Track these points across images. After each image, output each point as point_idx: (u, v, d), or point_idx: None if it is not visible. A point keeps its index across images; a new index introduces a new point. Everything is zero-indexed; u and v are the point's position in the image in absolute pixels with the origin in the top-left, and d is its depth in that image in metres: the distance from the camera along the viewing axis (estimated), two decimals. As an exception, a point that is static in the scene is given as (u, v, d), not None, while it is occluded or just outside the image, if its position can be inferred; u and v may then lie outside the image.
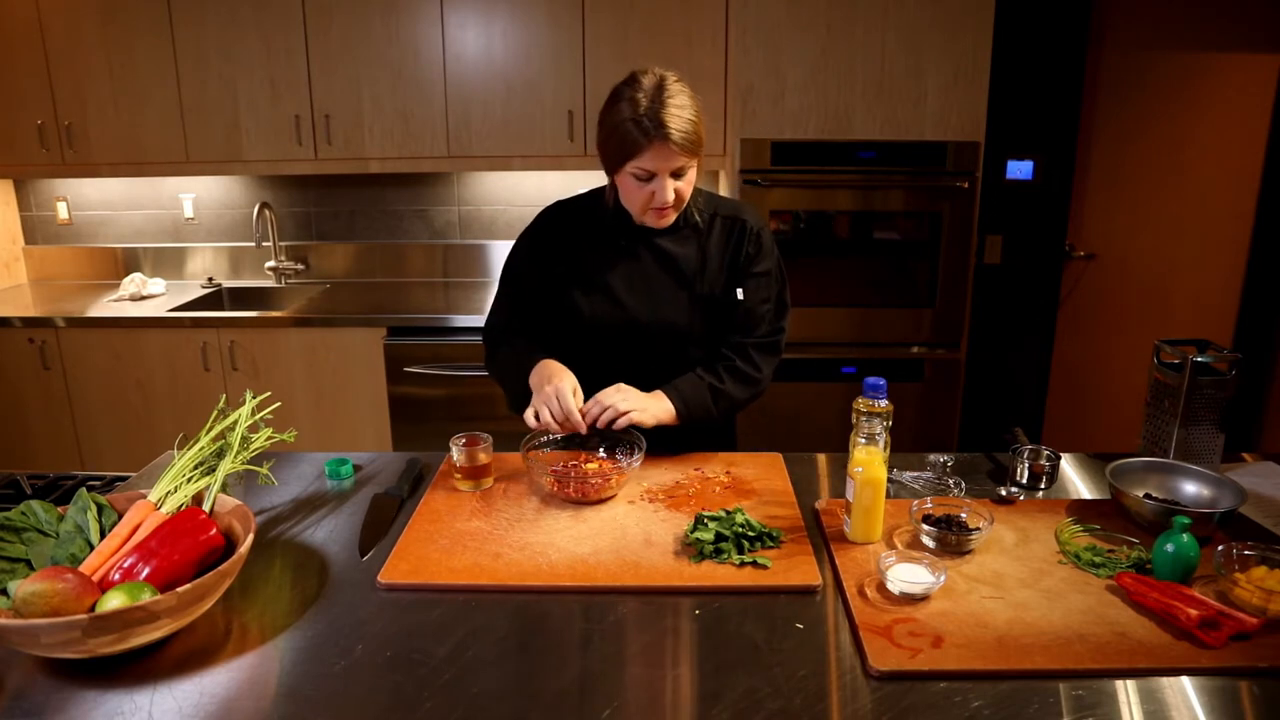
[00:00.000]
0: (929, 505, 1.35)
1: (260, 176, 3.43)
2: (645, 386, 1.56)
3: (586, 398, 1.52)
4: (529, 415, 1.49)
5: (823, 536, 1.34)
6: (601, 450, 1.59)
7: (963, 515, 1.32)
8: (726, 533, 1.28)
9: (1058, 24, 3.12)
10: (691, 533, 1.30)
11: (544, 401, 1.47)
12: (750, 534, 1.29)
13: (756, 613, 1.14)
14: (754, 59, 2.83)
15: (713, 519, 1.32)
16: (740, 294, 1.61)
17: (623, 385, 1.53)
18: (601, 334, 1.62)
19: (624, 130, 1.42)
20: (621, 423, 1.48)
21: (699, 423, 1.58)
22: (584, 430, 1.48)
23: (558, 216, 1.67)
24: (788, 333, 1.68)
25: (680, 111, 1.41)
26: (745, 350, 1.63)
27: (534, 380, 1.54)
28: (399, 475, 1.56)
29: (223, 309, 3.41)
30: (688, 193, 1.51)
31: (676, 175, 1.46)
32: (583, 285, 1.61)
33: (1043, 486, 1.52)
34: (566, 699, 0.98)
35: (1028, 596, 1.16)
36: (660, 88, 1.42)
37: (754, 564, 1.24)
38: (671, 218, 1.55)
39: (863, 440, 1.31)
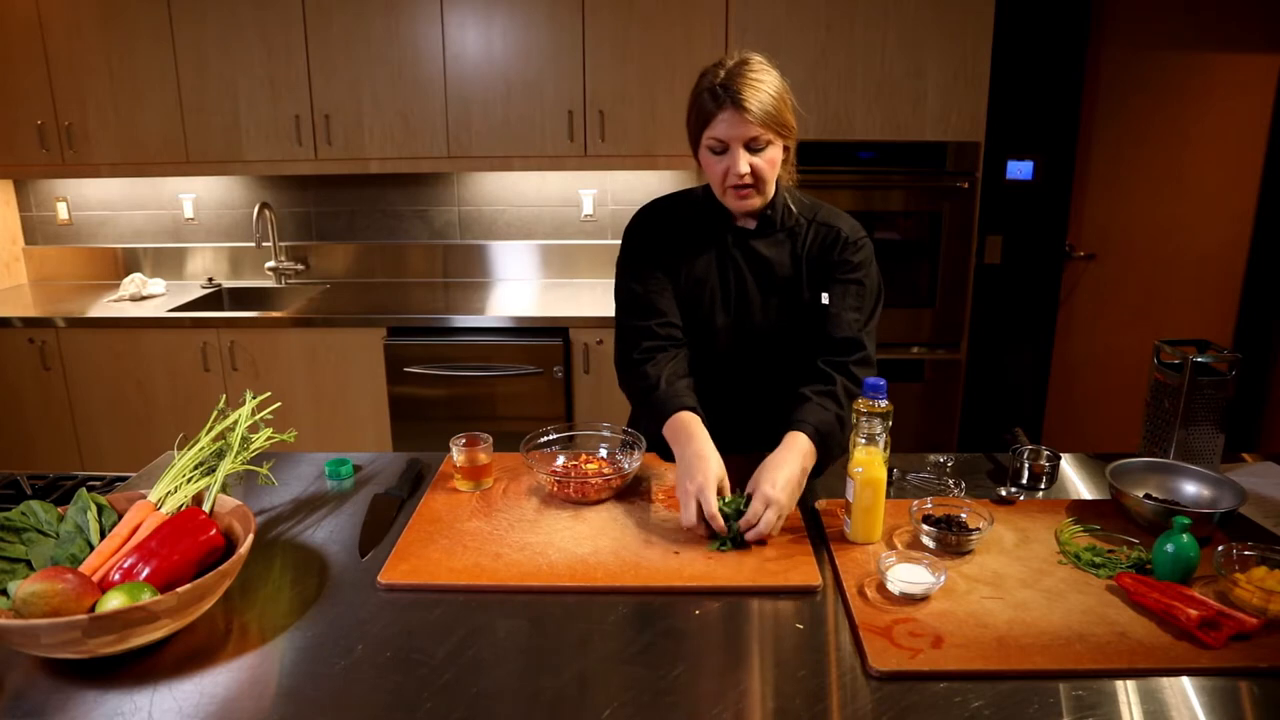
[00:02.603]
0: (929, 505, 1.35)
1: (260, 176, 3.43)
2: (731, 391, 1.51)
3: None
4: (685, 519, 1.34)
5: (823, 536, 1.34)
6: (602, 450, 1.59)
7: (963, 515, 1.32)
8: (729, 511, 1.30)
9: (1058, 24, 3.12)
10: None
11: (685, 505, 1.33)
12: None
13: (756, 613, 1.14)
14: (754, 59, 2.82)
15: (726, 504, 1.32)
16: (825, 298, 1.55)
17: (764, 488, 1.33)
18: (692, 334, 1.58)
19: (701, 101, 1.43)
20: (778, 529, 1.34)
21: (832, 457, 1.48)
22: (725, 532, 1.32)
23: (650, 217, 1.63)
24: (874, 349, 1.57)
25: (757, 83, 1.40)
26: (847, 369, 1.52)
27: (673, 442, 1.44)
28: (399, 475, 1.56)
29: (223, 309, 3.41)
30: (768, 173, 1.46)
31: (753, 149, 1.43)
32: (686, 283, 1.58)
33: (1043, 487, 1.52)
34: (566, 699, 0.98)
35: (1028, 596, 1.16)
36: (742, 63, 1.43)
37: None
38: (753, 201, 1.49)
39: (863, 440, 1.31)
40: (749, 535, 1.30)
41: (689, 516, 1.31)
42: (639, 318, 1.57)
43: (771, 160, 1.46)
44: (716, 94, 1.40)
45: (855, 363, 1.53)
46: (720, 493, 1.34)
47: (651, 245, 1.60)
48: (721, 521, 1.30)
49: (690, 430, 1.42)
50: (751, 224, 1.56)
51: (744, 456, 1.56)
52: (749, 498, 1.33)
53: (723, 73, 1.42)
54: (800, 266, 1.56)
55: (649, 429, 1.52)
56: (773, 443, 1.48)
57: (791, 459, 1.38)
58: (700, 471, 1.34)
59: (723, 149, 1.44)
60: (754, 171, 1.44)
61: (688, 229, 1.59)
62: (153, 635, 1.01)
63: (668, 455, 1.50)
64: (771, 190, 1.51)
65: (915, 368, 3.06)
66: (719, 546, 1.29)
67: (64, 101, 3.06)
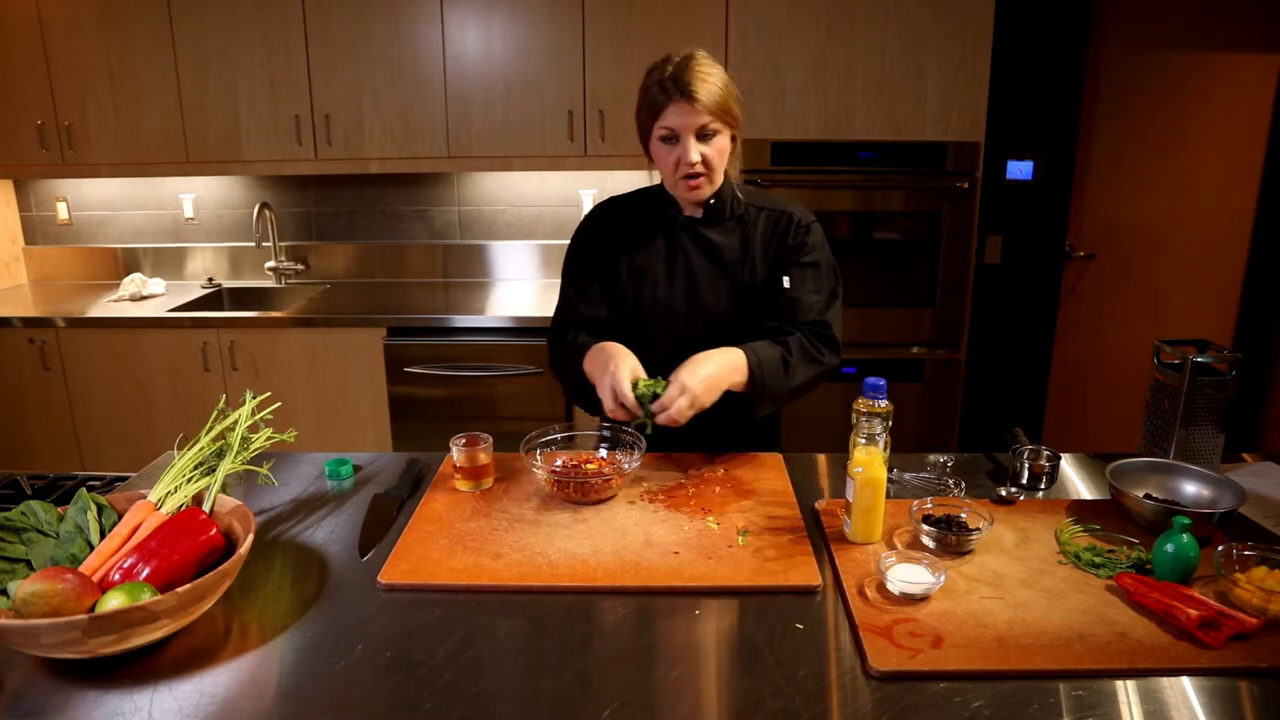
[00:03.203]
0: (929, 505, 1.35)
1: (260, 176, 3.43)
2: None
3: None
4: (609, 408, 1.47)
5: (823, 536, 1.34)
6: (602, 450, 1.59)
7: (963, 515, 1.32)
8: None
9: (1058, 24, 3.12)
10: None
11: (603, 394, 1.46)
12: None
13: (756, 613, 1.14)
14: (754, 59, 2.83)
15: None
16: (786, 282, 1.59)
17: (682, 375, 1.43)
18: (643, 321, 1.63)
19: (650, 94, 1.49)
20: (688, 417, 1.43)
21: (768, 393, 1.51)
22: (639, 414, 1.45)
23: (607, 212, 1.69)
24: (840, 329, 1.61)
25: (705, 76, 1.46)
26: (804, 331, 1.58)
27: (591, 367, 1.53)
28: (399, 475, 1.56)
29: (223, 309, 3.41)
30: (717, 161, 1.51)
31: (703, 137, 1.48)
32: (628, 273, 1.63)
33: (1043, 486, 1.52)
34: (566, 699, 0.98)
35: (1028, 596, 1.16)
36: (689, 58, 1.48)
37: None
38: (704, 189, 1.54)
39: (863, 440, 1.31)
40: (660, 419, 1.42)
41: (608, 402, 1.45)
42: (569, 317, 1.68)
43: (720, 149, 1.51)
44: (666, 86, 1.46)
45: (816, 333, 1.59)
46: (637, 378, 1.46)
47: (593, 246, 1.67)
48: (633, 400, 1.43)
49: (602, 344, 1.54)
50: (699, 213, 1.61)
51: (669, 456, 1.61)
52: (669, 384, 1.43)
53: (670, 67, 1.47)
54: (751, 252, 1.61)
55: (571, 382, 1.60)
56: (731, 432, 1.58)
57: (718, 359, 1.48)
58: (613, 362, 1.47)
59: (674, 138, 1.49)
60: (704, 160, 1.50)
61: (636, 222, 1.65)
62: (153, 635, 1.01)
63: (592, 408, 1.57)
64: (720, 179, 1.57)
65: (915, 368, 3.06)
66: (635, 426, 1.47)
67: (64, 101, 3.06)
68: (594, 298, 1.66)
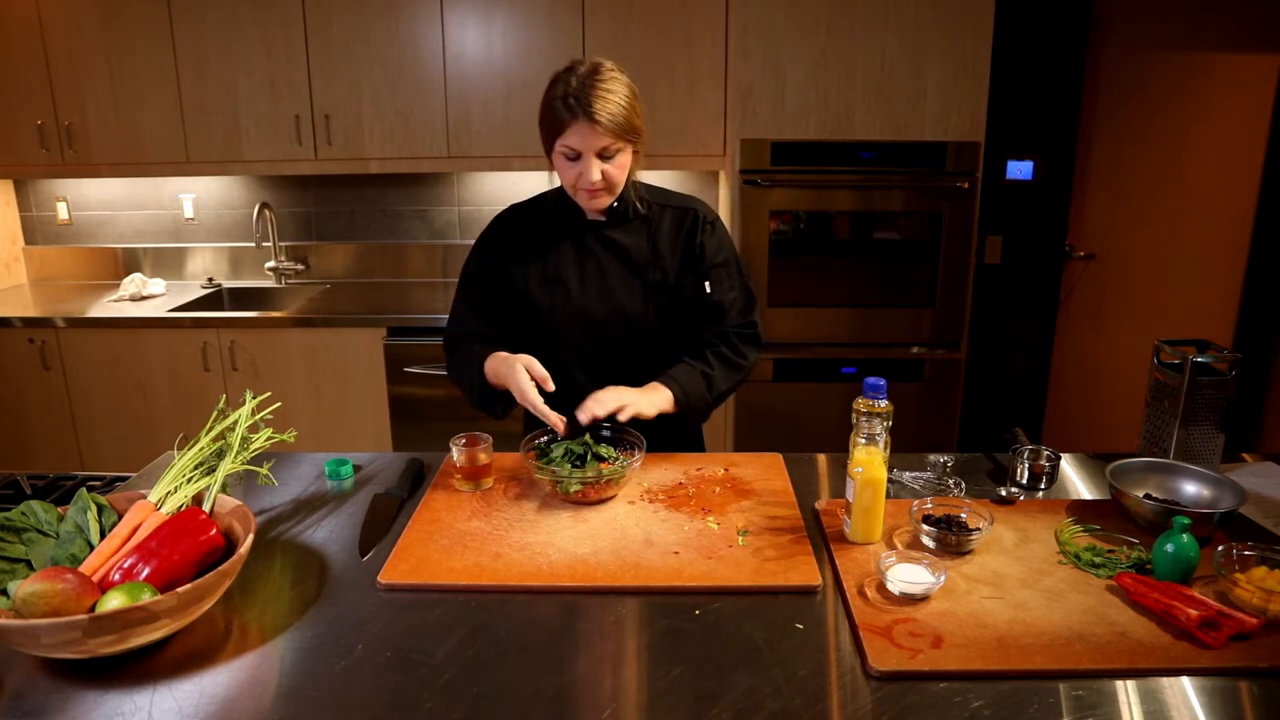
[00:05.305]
0: (929, 505, 1.35)
1: (260, 176, 3.43)
2: (606, 379, 1.56)
3: (558, 395, 1.53)
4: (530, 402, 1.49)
5: (823, 536, 1.34)
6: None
7: (963, 515, 1.32)
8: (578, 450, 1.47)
9: (1058, 24, 3.12)
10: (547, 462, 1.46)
11: (519, 381, 1.47)
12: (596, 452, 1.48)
13: (756, 613, 1.14)
14: (754, 59, 2.83)
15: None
16: (708, 287, 1.63)
17: (617, 386, 1.52)
18: (560, 326, 1.64)
19: (553, 109, 1.48)
20: (625, 415, 1.48)
21: (694, 412, 1.60)
22: (561, 427, 1.48)
23: (510, 219, 1.70)
24: (761, 323, 1.69)
25: (608, 95, 1.45)
26: (728, 337, 1.65)
27: (494, 369, 1.55)
28: (399, 475, 1.56)
29: (223, 309, 3.41)
30: (618, 176, 1.52)
31: (604, 157, 1.48)
32: (539, 280, 1.64)
33: (1043, 486, 1.52)
34: (567, 699, 0.98)
35: (1028, 596, 1.16)
36: (593, 72, 1.47)
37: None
38: (604, 200, 1.55)
39: (863, 440, 1.31)
40: (594, 409, 1.46)
41: (530, 391, 1.46)
42: (461, 329, 1.69)
43: (621, 165, 1.52)
44: (569, 104, 1.45)
45: (737, 334, 1.66)
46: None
47: (493, 258, 1.68)
48: (549, 380, 1.47)
49: (505, 354, 1.55)
50: (603, 216, 1.62)
51: (669, 456, 1.63)
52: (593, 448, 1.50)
53: (575, 81, 1.46)
54: (660, 250, 1.63)
55: (473, 389, 1.60)
56: (654, 430, 1.57)
57: (654, 395, 1.53)
58: (521, 359, 1.50)
59: (575, 156, 1.49)
60: (605, 176, 1.50)
61: (542, 228, 1.66)
62: (153, 635, 1.02)
63: (497, 412, 1.61)
64: (621, 189, 1.57)
65: (915, 368, 3.06)
66: (552, 460, 1.46)
67: (64, 101, 3.06)
68: (487, 311, 1.67)
